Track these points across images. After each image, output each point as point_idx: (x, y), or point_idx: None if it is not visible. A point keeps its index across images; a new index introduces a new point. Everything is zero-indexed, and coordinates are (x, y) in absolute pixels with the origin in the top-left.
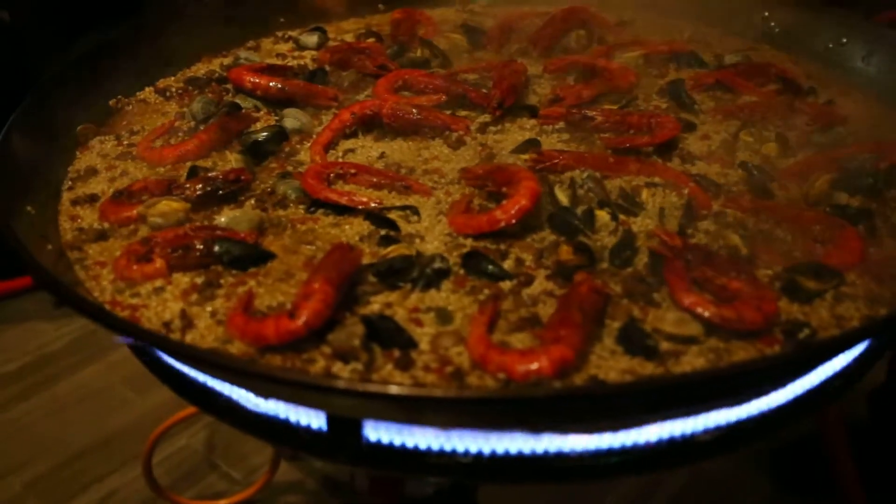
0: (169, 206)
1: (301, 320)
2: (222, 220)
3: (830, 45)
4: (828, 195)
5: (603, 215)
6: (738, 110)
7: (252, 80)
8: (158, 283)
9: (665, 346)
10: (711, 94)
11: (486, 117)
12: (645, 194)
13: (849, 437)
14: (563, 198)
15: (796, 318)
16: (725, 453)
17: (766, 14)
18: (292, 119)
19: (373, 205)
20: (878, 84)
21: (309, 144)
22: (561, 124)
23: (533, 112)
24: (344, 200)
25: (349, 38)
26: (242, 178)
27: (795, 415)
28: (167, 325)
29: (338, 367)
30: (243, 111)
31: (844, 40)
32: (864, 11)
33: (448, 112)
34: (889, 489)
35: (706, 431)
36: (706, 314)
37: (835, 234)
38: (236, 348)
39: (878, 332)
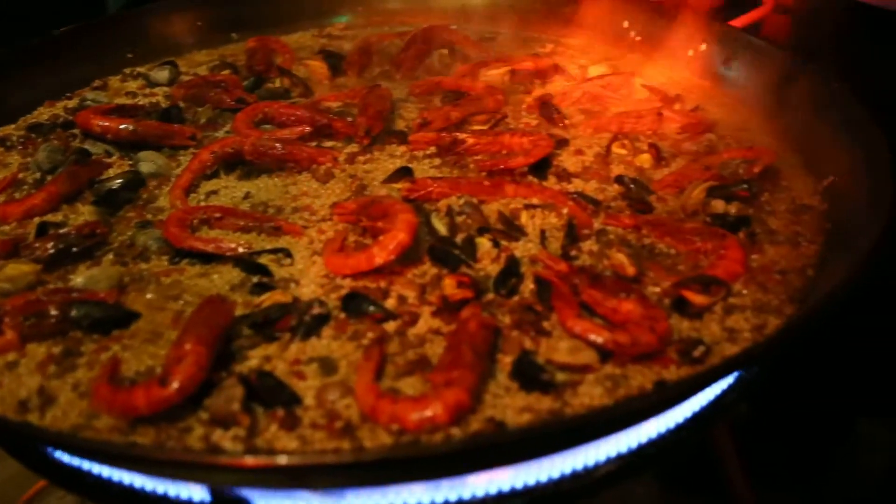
0: (17, 269)
1: (173, 387)
2: (78, 280)
3: (691, 52)
4: (705, 204)
5: (484, 242)
6: (608, 122)
7: (101, 123)
8: (11, 356)
9: (560, 377)
10: (580, 107)
11: (353, 147)
12: (524, 217)
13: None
14: (441, 227)
15: (689, 335)
16: (632, 477)
17: (627, 23)
18: (148, 162)
19: (241, 250)
20: (739, 87)
21: (168, 189)
22: (432, 149)
23: (402, 138)
24: (210, 248)
25: (203, 70)
26: (97, 231)
27: (697, 431)
28: (24, 403)
29: (218, 435)
30: (93, 158)
31: (704, 45)
32: (721, 16)
33: (313, 144)
34: (774, 482)
35: (608, 460)
36: (599, 340)
37: (717, 244)
38: (104, 423)
39: (767, 353)
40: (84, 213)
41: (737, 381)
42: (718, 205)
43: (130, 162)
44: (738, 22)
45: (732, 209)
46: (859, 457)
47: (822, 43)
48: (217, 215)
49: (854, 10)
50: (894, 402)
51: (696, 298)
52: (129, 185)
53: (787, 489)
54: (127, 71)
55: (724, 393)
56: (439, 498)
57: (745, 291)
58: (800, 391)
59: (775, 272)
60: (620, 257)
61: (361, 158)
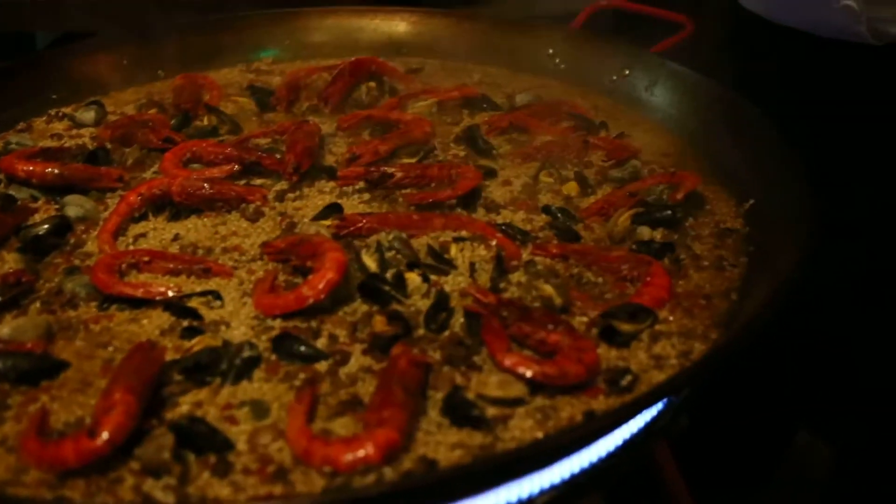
0: None
1: (102, 438)
2: (4, 330)
3: (615, 78)
4: (631, 231)
5: (414, 278)
6: (535, 152)
7: (25, 167)
8: None
9: (491, 411)
10: (507, 137)
11: (283, 184)
12: (454, 250)
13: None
14: (371, 263)
15: (616, 364)
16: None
17: (551, 51)
18: (75, 207)
19: (171, 294)
20: (662, 112)
21: (96, 233)
22: (361, 184)
23: (331, 174)
24: (139, 293)
25: (130, 109)
26: (23, 279)
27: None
28: None
29: (149, 485)
30: (18, 203)
31: (627, 72)
32: (643, 42)
33: (242, 182)
34: (714, 494)
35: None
36: (528, 373)
37: (643, 271)
38: (32, 477)
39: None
40: (9, 260)
41: (667, 405)
42: (644, 231)
43: (57, 206)
44: (660, 47)
45: (658, 235)
46: (798, 469)
47: (733, 62)
48: (146, 259)
49: (752, 26)
50: (831, 414)
51: (623, 327)
52: (56, 230)
53: (727, 501)
54: (52, 112)
55: (656, 418)
56: None
57: (671, 318)
58: (738, 405)
59: (700, 297)
60: (548, 289)
61: (291, 196)
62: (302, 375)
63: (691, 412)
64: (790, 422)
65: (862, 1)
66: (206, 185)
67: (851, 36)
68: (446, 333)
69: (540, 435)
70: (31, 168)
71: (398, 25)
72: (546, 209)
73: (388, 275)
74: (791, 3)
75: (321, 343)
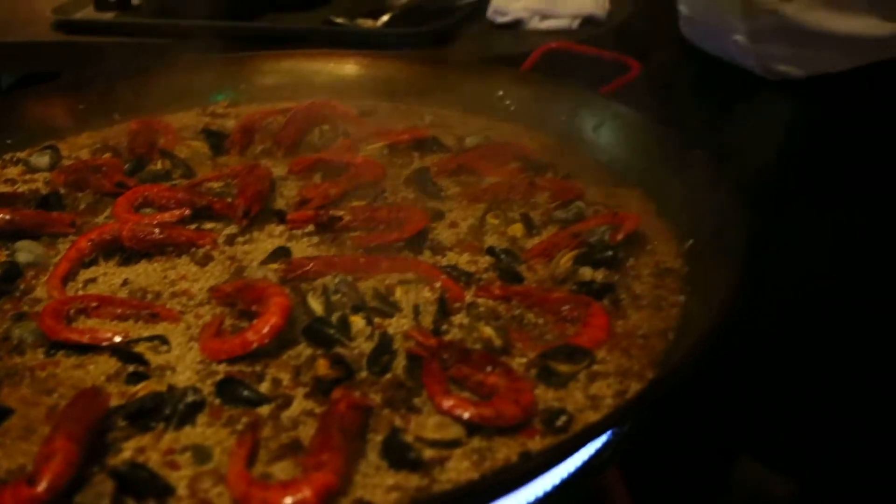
0: None
1: (41, 486)
2: None
3: (563, 119)
4: (573, 272)
5: (358, 321)
6: (482, 193)
7: None
8: None
9: (429, 453)
10: (456, 178)
11: (233, 228)
12: (399, 292)
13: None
14: (317, 307)
15: (552, 405)
16: None
17: (501, 93)
18: (25, 252)
19: (117, 339)
20: (607, 153)
21: (46, 279)
22: (310, 227)
23: (281, 217)
24: (85, 339)
25: (85, 154)
26: None
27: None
28: None
29: None
30: None
31: (575, 113)
32: (592, 83)
33: (193, 226)
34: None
35: None
36: (465, 416)
37: (583, 312)
38: None
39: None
40: None
41: (604, 444)
42: (586, 272)
43: (7, 252)
44: (607, 88)
45: (599, 276)
46: (738, 497)
47: (678, 101)
48: (94, 304)
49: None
50: (771, 444)
51: (561, 368)
52: (6, 276)
53: None
54: (7, 157)
55: (593, 456)
56: None
57: (608, 358)
58: (678, 433)
59: (638, 337)
60: (488, 331)
61: (241, 239)
62: (244, 419)
63: (628, 448)
64: (733, 447)
65: (748, 37)
66: (156, 230)
67: (749, 69)
68: (388, 376)
69: (475, 476)
70: None
71: (352, 68)
72: (491, 250)
73: (334, 318)
74: (701, 31)
75: (265, 387)
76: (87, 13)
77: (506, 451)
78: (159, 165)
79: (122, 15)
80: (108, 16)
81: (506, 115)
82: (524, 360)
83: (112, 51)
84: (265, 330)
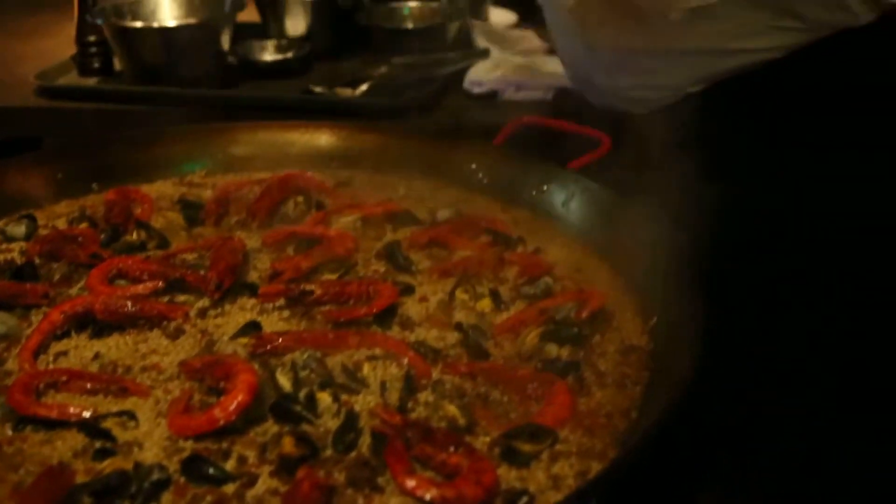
0: None
1: None
2: None
3: (534, 193)
4: (539, 349)
5: (325, 397)
6: (453, 268)
7: None
8: None
9: None
10: (427, 252)
11: (205, 301)
12: (367, 368)
13: None
14: (285, 383)
15: (514, 485)
16: None
17: (474, 165)
18: None
19: (86, 415)
20: (576, 228)
21: (17, 351)
22: (281, 301)
23: (253, 290)
24: (54, 414)
25: (62, 223)
26: None
27: None
28: None
29: None
30: None
31: (545, 187)
32: (563, 157)
33: (166, 299)
34: None
35: None
36: (427, 496)
37: (547, 390)
38: None
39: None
40: None
41: None
42: (552, 349)
43: None
44: (577, 163)
45: (564, 353)
46: None
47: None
48: (64, 378)
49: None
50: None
51: (524, 447)
52: None
53: None
54: None
55: None
56: None
57: (571, 437)
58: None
59: (601, 416)
60: (453, 409)
61: (213, 313)
62: (209, 498)
63: None
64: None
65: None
66: (129, 302)
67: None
68: (353, 454)
69: None
70: None
71: (327, 139)
72: (458, 326)
73: (301, 394)
74: (589, 91)
75: (230, 464)
76: (70, 79)
77: None
78: (135, 236)
79: (105, 81)
80: (91, 81)
81: (479, 187)
82: (488, 438)
83: (93, 117)
84: (232, 407)
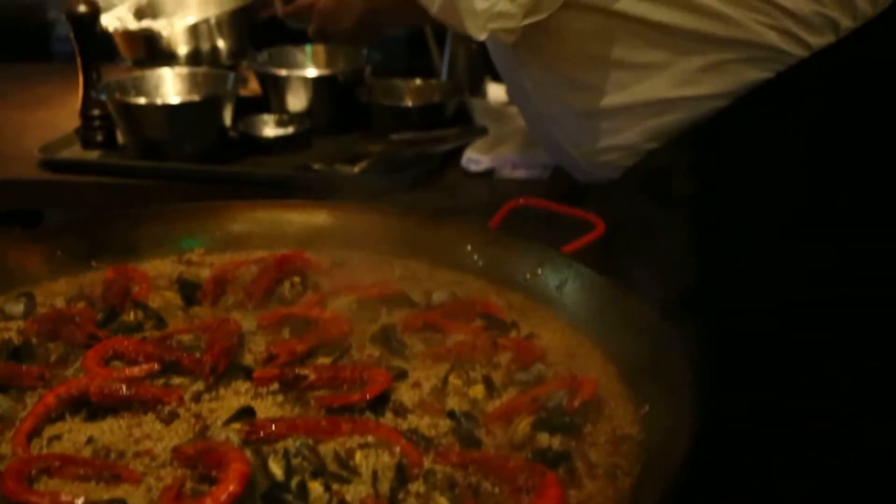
0: None
1: None
2: None
3: (528, 276)
4: (531, 438)
5: (316, 487)
6: (446, 352)
7: None
8: None
9: None
10: (422, 335)
11: (200, 385)
12: (359, 456)
13: None
14: (277, 471)
15: None
16: None
17: (469, 247)
18: None
19: (77, 503)
20: (569, 313)
21: (11, 434)
22: (276, 385)
23: (248, 374)
24: (46, 502)
25: (60, 301)
26: None
27: None
28: None
29: None
30: None
31: (539, 271)
32: (558, 240)
33: (161, 381)
34: None
35: None
36: None
37: (537, 482)
38: None
39: None
40: None
41: None
42: (543, 438)
43: None
44: (570, 247)
45: (556, 442)
46: None
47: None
48: (57, 464)
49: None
50: None
51: None
52: None
53: None
54: None
55: None
56: None
57: None
58: None
59: None
60: (444, 502)
61: (207, 396)
62: None
63: None
64: None
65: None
66: (123, 386)
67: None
68: None
69: None
70: None
71: (325, 218)
72: (451, 414)
73: (293, 483)
74: (566, 163)
75: None
76: (73, 152)
77: None
78: (132, 316)
79: (107, 155)
80: (94, 155)
81: (474, 269)
82: None
83: (95, 191)
84: (223, 498)
